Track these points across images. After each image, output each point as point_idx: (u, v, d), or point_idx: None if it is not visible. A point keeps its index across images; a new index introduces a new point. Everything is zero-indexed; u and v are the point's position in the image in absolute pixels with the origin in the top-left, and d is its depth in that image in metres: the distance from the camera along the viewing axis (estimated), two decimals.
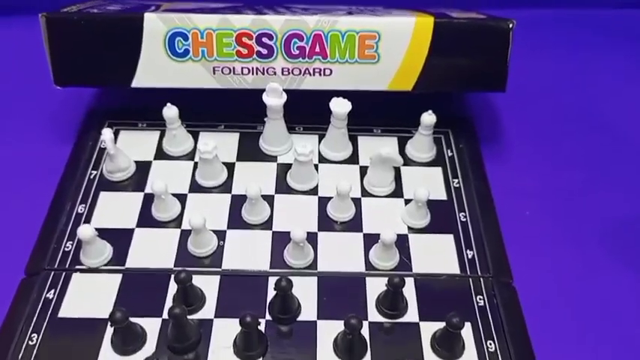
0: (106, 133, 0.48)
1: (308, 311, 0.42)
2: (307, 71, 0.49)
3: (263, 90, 0.49)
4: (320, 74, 0.49)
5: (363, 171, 0.51)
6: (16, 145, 0.55)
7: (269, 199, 0.49)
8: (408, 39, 0.48)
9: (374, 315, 0.42)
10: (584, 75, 0.67)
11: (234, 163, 0.52)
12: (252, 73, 0.49)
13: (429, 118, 0.50)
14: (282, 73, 0.49)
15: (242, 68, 0.49)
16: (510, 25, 0.47)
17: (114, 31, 0.47)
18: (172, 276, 0.43)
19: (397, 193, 0.50)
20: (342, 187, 0.46)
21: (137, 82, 0.49)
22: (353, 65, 0.49)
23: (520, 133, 0.60)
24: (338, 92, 0.49)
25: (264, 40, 0.48)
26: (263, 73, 0.49)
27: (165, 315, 0.41)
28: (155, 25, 0.47)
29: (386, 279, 0.41)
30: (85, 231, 0.42)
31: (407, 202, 0.49)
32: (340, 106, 0.49)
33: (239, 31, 0.47)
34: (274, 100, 0.48)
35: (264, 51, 0.48)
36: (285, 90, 0.49)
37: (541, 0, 0.75)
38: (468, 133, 0.56)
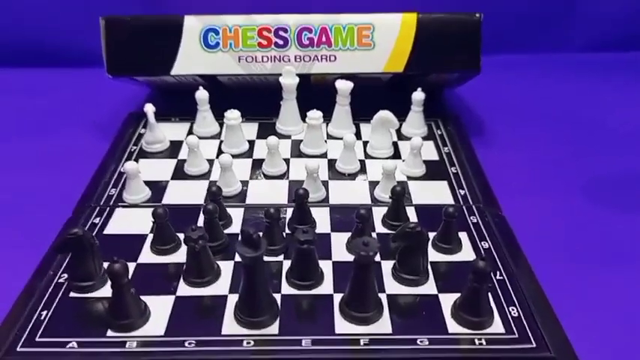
0: (148, 107, 0.57)
1: (322, 227, 0.48)
2: (316, 57, 0.59)
3: (279, 75, 0.59)
4: (326, 60, 0.59)
5: (367, 144, 0.59)
6: (75, 137, 0.67)
7: (285, 162, 0.56)
8: (397, 29, 0.59)
9: (381, 229, 0.48)
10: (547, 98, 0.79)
11: (254, 140, 0.60)
12: (271, 61, 0.59)
13: (419, 94, 0.59)
14: (295, 60, 0.59)
15: (262, 57, 0.59)
16: (478, 16, 0.59)
17: (158, 29, 0.59)
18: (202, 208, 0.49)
19: (396, 156, 0.58)
20: (348, 138, 0.54)
21: (176, 71, 0.59)
22: (353, 52, 0.59)
23: (501, 130, 0.69)
24: (342, 76, 0.59)
25: (281, 33, 0.59)
26: (279, 61, 0.59)
27: None
28: (193, 24, 0.59)
29: None
30: (130, 165, 0.50)
31: None
32: (344, 84, 0.58)
33: (260, 26, 0.59)
34: (289, 80, 0.58)
35: (281, 42, 0.59)
36: (297, 74, 0.59)
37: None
38: (455, 120, 0.65)
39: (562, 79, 0.84)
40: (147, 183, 0.53)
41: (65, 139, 0.67)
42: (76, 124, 0.70)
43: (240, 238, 0.36)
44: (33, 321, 0.39)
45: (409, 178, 0.55)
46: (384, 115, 0.56)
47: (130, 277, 0.38)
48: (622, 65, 0.88)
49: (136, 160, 0.57)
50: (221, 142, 0.60)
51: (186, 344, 0.37)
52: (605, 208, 0.55)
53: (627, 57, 0.91)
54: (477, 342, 0.37)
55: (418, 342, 0.37)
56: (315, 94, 0.60)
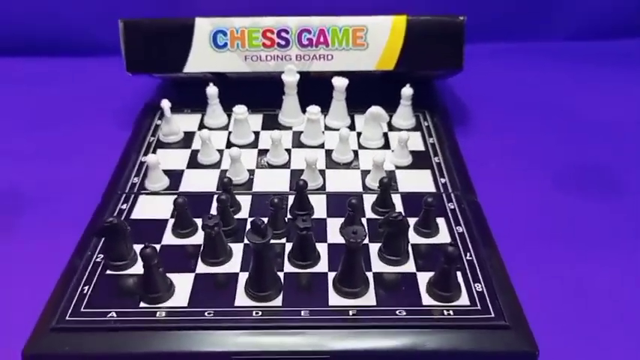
0: (165, 103, 0.63)
1: (319, 213, 0.55)
2: (314, 57, 0.66)
3: (281, 72, 0.65)
4: (324, 59, 0.66)
5: (360, 135, 0.66)
6: (95, 126, 0.74)
7: (287, 152, 0.63)
8: (388, 31, 0.65)
9: (370, 215, 0.55)
10: (530, 86, 0.85)
11: (259, 132, 0.67)
12: (274, 60, 0.66)
13: (407, 90, 0.66)
14: (296, 59, 0.66)
15: (266, 56, 0.65)
16: (462, 19, 0.64)
17: (172, 31, 0.65)
18: (215, 197, 0.56)
19: (386, 147, 0.65)
20: (343, 132, 0.61)
21: (188, 69, 0.66)
22: (348, 51, 0.65)
23: (486, 119, 0.76)
24: (338, 73, 0.66)
25: (283, 34, 0.65)
26: (282, 59, 0.66)
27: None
28: (203, 25, 0.65)
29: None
30: (150, 158, 0.57)
31: None
32: (340, 81, 0.65)
33: (264, 28, 0.65)
34: (290, 77, 0.65)
35: (283, 42, 0.65)
36: (298, 72, 0.65)
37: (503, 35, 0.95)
38: (442, 112, 0.72)
39: (549, 67, 0.90)
40: (165, 172, 0.59)
41: (86, 128, 0.73)
42: (95, 113, 0.76)
43: (249, 227, 0.44)
44: (77, 295, 0.46)
45: (397, 167, 0.61)
46: (375, 110, 0.62)
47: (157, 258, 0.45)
48: (607, 54, 0.94)
49: (154, 150, 0.64)
50: (230, 133, 0.66)
51: (205, 314, 0.45)
52: (572, 195, 0.63)
53: (613, 46, 0.96)
54: (445, 313, 0.45)
55: (397, 312, 0.45)
56: (314, 88, 0.66)
